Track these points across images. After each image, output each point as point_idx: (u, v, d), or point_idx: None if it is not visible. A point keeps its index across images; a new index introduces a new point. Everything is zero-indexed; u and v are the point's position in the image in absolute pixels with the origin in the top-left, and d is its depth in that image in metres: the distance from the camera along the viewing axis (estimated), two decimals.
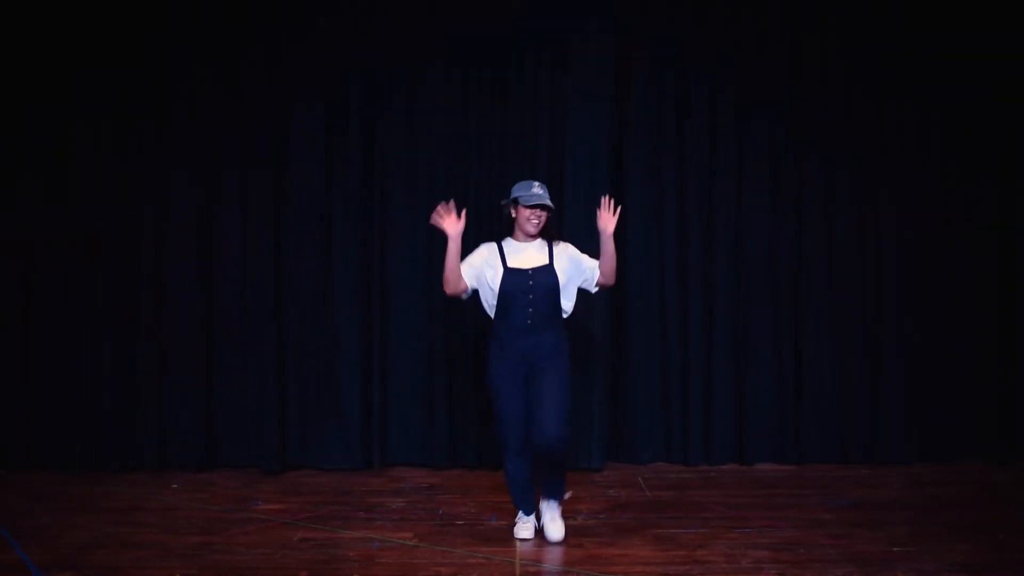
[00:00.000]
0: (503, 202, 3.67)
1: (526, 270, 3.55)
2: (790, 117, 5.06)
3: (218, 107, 4.97)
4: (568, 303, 3.64)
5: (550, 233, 3.65)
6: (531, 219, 3.55)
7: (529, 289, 3.54)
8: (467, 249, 3.64)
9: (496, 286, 3.56)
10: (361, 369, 4.96)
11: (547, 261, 3.58)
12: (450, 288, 3.55)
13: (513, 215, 3.61)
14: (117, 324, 4.97)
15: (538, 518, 3.77)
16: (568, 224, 4.79)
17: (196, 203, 4.98)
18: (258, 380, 4.96)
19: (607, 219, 3.52)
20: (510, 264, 3.57)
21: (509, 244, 3.64)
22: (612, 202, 3.56)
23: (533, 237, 3.62)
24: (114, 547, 3.61)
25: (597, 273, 3.64)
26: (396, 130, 4.99)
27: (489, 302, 3.63)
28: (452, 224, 3.49)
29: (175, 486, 4.63)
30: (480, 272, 3.59)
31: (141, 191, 4.98)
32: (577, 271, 3.64)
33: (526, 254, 3.60)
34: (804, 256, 5.06)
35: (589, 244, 3.76)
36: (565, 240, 3.71)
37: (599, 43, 4.94)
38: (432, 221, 3.51)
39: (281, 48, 4.96)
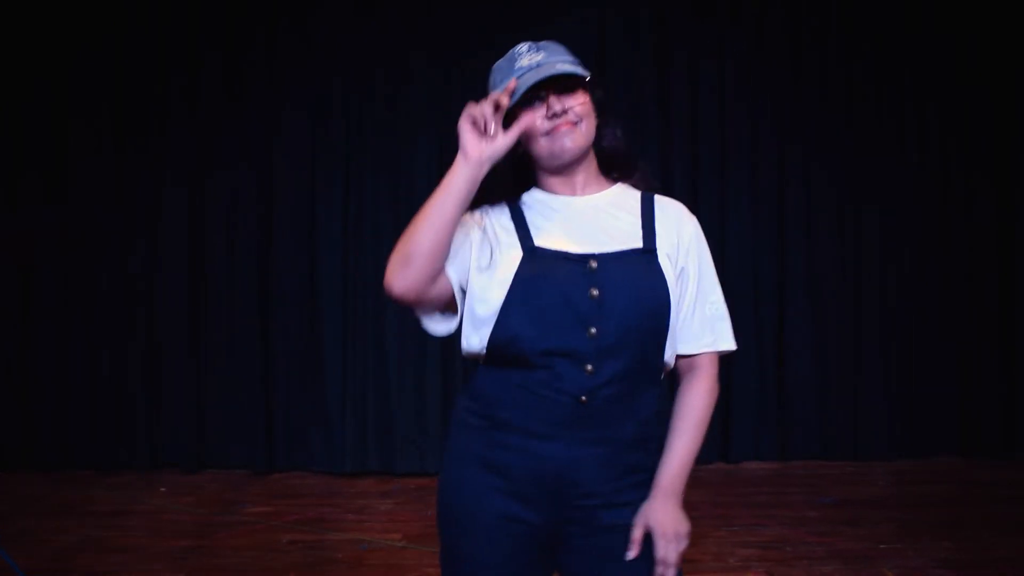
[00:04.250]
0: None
1: (580, 255, 1.46)
2: (788, 113, 5.08)
3: (215, 105, 4.95)
4: (673, 347, 1.50)
5: (630, 166, 1.57)
6: (548, 129, 1.46)
7: (591, 305, 1.42)
8: None
9: (492, 290, 1.46)
10: (348, 371, 4.95)
11: (639, 239, 1.48)
12: (407, 272, 1.44)
13: (521, 140, 1.47)
14: (111, 325, 4.95)
15: None
16: None
17: (187, 204, 4.97)
18: (246, 382, 4.95)
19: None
20: (540, 241, 1.48)
21: (535, 199, 1.54)
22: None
23: (576, 171, 1.52)
24: (99, 551, 3.59)
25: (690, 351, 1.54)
26: (379, 120, 4.96)
27: (471, 333, 1.49)
28: (476, 139, 1.42)
29: (163, 489, 4.61)
30: (465, 263, 1.50)
31: (139, 191, 4.97)
32: (685, 285, 1.53)
33: (580, 220, 1.50)
34: (787, 251, 5.08)
35: None
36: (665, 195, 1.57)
37: (583, 37, 4.95)
38: (459, 126, 1.43)
39: (278, 42, 4.95)
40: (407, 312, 5.05)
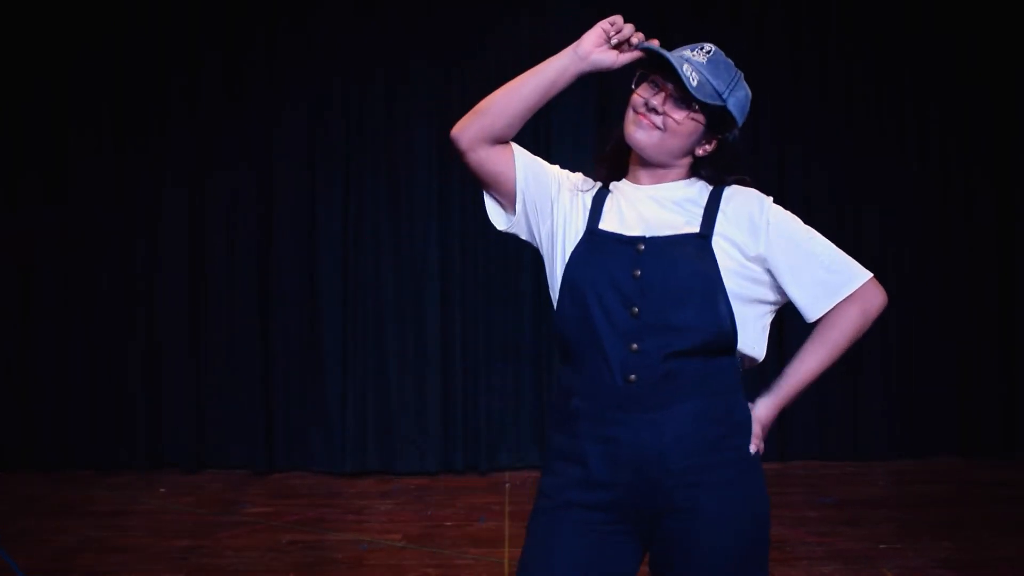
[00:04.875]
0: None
1: (631, 237, 1.51)
2: (788, 113, 5.07)
3: (215, 105, 4.95)
4: (753, 339, 1.56)
5: (717, 162, 1.57)
6: (638, 111, 1.52)
7: (634, 285, 1.48)
8: None
9: (556, 267, 1.56)
10: (348, 371, 4.95)
11: (696, 225, 1.52)
12: (469, 121, 1.55)
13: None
14: (111, 325, 4.94)
15: None
16: None
17: (187, 204, 4.96)
18: (246, 382, 4.95)
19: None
20: (603, 223, 1.55)
21: (619, 187, 1.59)
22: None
23: (657, 168, 1.55)
24: (99, 551, 3.60)
25: (824, 304, 1.54)
26: (379, 120, 4.95)
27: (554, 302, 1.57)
28: (596, 39, 1.55)
29: (163, 490, 4.61)
30: (537, 191, 1.58)
31: (139, 191, 4.96)
32: (778, 261, 1.52)
33: (646, 207, 1.55)
34: None
35: None
36: (749, 184, 1.59)
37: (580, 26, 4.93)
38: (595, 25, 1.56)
39: (278, 42, 4.95)
40: (407, 311, 5.03)
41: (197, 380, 4.96)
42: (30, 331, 4.95)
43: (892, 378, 5.07)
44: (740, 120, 1.56)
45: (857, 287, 1.53)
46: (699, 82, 1.48)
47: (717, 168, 1.56)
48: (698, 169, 1.57)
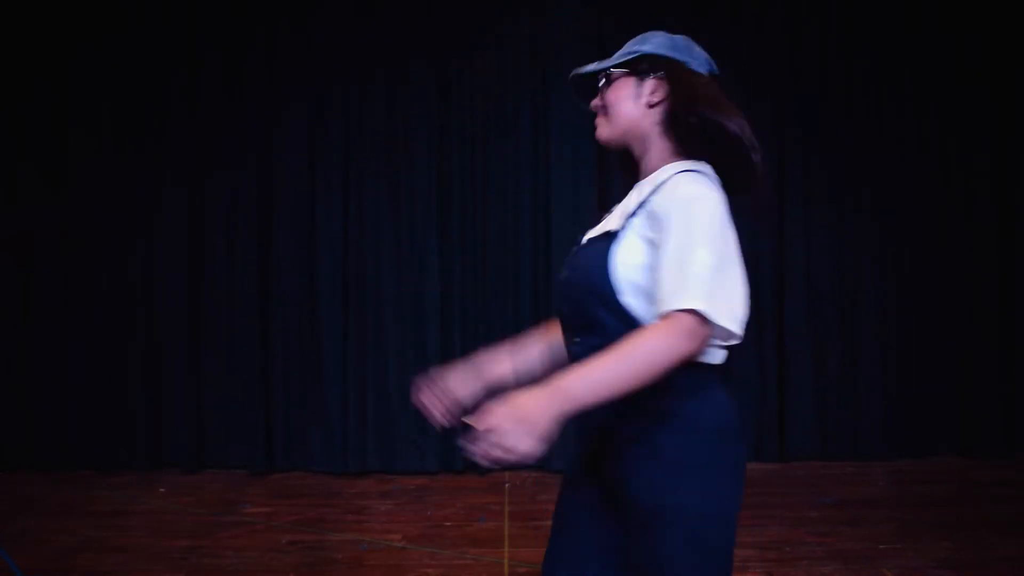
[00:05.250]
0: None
1: (578, 242, 1.63)
2: (787, 113, 5.07)
3: (215, 105, 4.96)
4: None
5: (679, 107, 1.51)
6: (595, 121, 1.62)
7: (560, 288, 1.57)
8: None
9: None
10: (348, 371, 4.95)
11: (620, 223, 1.51)
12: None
13: None
14: (111, 325, 4.95)
15: None
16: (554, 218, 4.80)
17: (187, 204, 4.97)
18: (246, 382, 4.95)
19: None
20: (592, 231, 1.62)
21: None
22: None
23: (644, 163, 1.58)
24: (99, 551, 3.60)
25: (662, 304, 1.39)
26: (379, 120, 4.96)
27: None
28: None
29: (162, 490, 4.61)
30: None
31: (139, 191, 4.97)
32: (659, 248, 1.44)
33: (622, 204, 1.58)
34: (787, 251, 5.08)
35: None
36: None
37: (581, 37, 4.94)
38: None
39: (278, 42, 4.96)
40: (407, 311, 5.03)
41: (197, 380, 4.97)
42: (30, 331, 4.97)
43: (892, 378, 5.08)
44: (676, 55, 1.53)
45: (682, 306, 1.34)
46: (607, 61, 1.59)
47: (683, 115, 1.48)
48: (676, 138, 1.51)
